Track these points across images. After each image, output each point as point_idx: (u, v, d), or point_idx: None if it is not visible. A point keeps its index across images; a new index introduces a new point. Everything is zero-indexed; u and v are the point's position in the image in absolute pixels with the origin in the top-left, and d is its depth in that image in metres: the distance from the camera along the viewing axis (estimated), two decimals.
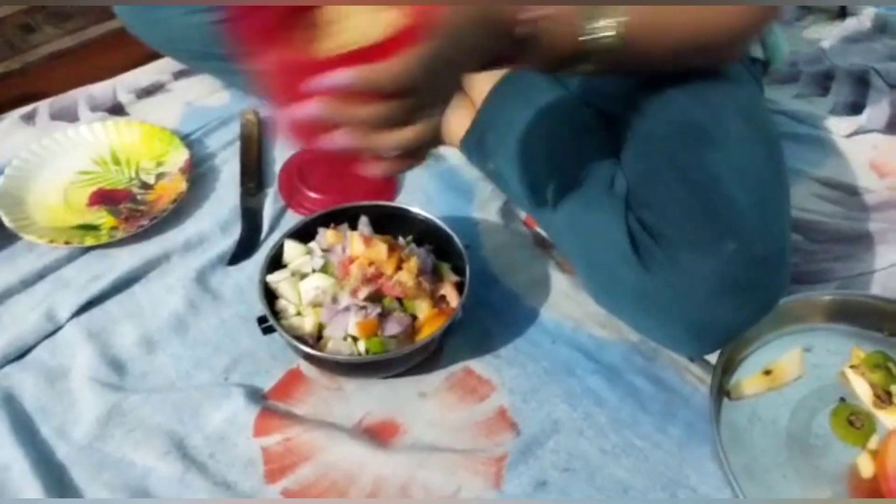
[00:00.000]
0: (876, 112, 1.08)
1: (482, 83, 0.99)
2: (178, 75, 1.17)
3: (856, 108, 1.10)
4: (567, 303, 0.86)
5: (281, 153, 1.04)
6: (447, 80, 0.60)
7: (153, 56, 1.16)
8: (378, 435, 0.75)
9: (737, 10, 0.72)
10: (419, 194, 0.98)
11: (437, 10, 0.56)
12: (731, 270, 0.72)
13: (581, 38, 0.67)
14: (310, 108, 0.54)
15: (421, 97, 0.57)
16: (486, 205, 0.97)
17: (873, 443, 0.72)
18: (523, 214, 0.96)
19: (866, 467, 0.70)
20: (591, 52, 0.68)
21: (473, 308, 0.81)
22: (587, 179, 0.82)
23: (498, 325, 0.84)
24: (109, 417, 0.75)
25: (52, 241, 0.89)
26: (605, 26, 0.67)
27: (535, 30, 0.65)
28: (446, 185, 1.00)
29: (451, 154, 1.04)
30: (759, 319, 0.75)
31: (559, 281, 0.88)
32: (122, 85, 1.15)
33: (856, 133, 1.06)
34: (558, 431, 0.75)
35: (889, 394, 0.74)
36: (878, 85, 1.12)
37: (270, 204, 0.97)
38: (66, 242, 0.90)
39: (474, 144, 1.00)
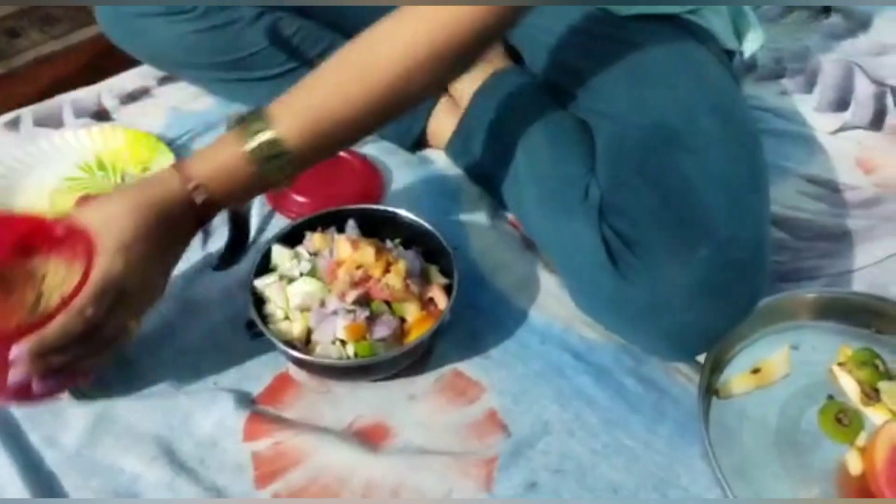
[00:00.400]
0: (861, 108, 1.09)
1: (467, 86, 0.99)
2: (163, 81, 1.16)
3: (841, 105, 1.10)
4: (556, 304, 0.86)
5: None
6: (137, 297, 0.68)
7: (138, 61, 1.16)
8: (368, 438, 0.75)
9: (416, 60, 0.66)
10: (406, 197, 0.97)
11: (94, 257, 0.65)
12: (706, 276, 0.72)
13: (253, 171, 0.68)
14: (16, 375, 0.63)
15: (106, 327, 0.66)
16: (474, 206, 0.97)
17: (861, 440, 0.72)
18: (510, 216, 0.96)
19: (855, 464, 0.70)
20: (275, 170, 0.68)
21: (462, 310, 0.81)
22: (563, 189, 0.82)
23: (487, 326, 0.84)
24: (98, 424, 0.75)
25: None
26: (269, 145, 0.67)
27: (208, 190, 0.68)
28: (433, 188, 1.00)
29: (437, 156, 1.04)
30: (738, 323, 0.75)
31: (548, 282, 0.88)
32: (107, 90, 1.15)
33: (841, 130, 1.06)
34: (549, 433, 0.75)
35: (876, 391, 0.74)
36: (862, 81, 1.12)
37: (257, 208, 0.97)
38: None
39: (459, 148, 1.00)
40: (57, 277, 0.73)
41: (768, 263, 0.76)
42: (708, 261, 0.71)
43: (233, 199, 0.72)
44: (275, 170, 0.68)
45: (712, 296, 0.72)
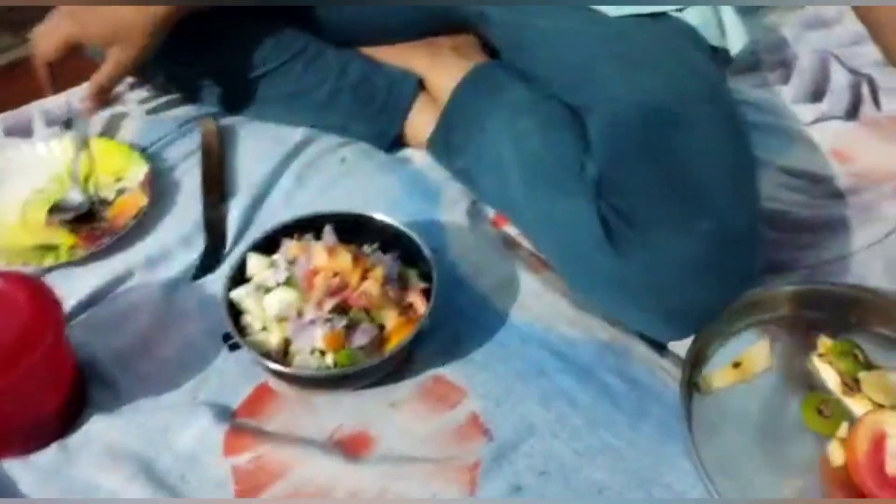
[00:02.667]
0: (837, 98, 1.08)
1: (445, 81, 0.98)
2: (134, 86, 1.15)
3: (817, 96, 1.10)
4: (537, 303, 0.85)
5: (244, 163, 1.02)
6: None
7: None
8: (350, 448, 0.74)
9: None
10: (384, 199, 0.96)
11: None
12: (704, 250, 0.73)
13: None
14: None
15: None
16: (453, 207, 0.96)
17: (843, 431, 0.72)
18: (491, 214, 0.95)
19: (837, 455, 0.70)
20: None
21: (442, 313, 0.80)
22: (558, 169, 0.82)
23: (468, 329, 0.83)
24: (74, 442, 0.74)
25: (9, 263, 0.88)
26: None
27: None
28: (411, 188, 0.99)
29: (416, 156, 1.03)
30: (735, 298, 0.76)
31: (528, 281, 0.87)
32: (77, 97, 1.13)
33: (818, 120, 1.06)
34: (532, 435, 0.74)
35: (857, 381, 0.74)
36: (838, 71, 1.12)
37: (235, 215, 0.95)
38: (24, 263, 0.88)
39: (441, 144, 0.99)
40: None
41: (762, 241, 0.77)
42: (705, 236, 0.72)
43: None
44: None
45: (709, 270, 0.73)
